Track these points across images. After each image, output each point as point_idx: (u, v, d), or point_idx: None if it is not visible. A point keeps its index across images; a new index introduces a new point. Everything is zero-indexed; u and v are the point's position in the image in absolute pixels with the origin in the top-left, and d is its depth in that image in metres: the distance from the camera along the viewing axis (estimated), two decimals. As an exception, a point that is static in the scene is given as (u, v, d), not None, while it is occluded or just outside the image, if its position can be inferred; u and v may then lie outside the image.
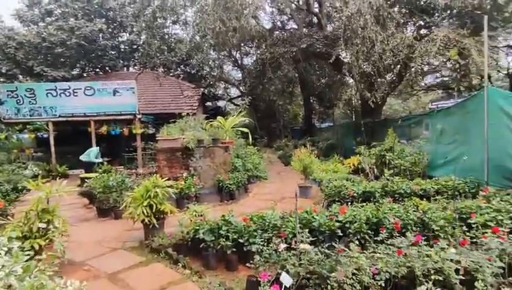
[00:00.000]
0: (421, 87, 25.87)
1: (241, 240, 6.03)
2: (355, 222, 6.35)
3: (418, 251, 4.76)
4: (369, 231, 6.15)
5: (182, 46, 19.43)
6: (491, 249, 4.81)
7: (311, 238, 5.17)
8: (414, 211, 6.72)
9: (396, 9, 15.36)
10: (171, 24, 23.43)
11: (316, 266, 4.61)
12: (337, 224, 6.19)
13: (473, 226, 5.98)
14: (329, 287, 4.29)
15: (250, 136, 15.29)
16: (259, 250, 5.30)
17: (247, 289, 5.01)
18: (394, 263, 4.62)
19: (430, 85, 27.09)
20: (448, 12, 14.88)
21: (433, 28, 14.96)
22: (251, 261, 4.97)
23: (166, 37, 23.76)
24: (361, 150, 14.47)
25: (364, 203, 8.02)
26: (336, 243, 6.11)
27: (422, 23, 16.09)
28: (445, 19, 15.05)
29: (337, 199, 9.57)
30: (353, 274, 4.51)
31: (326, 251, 4.85)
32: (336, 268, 4.49)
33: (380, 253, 4.85)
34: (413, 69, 13.61)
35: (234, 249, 5.97)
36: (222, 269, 6.00)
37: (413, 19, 15.91)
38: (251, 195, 12.29)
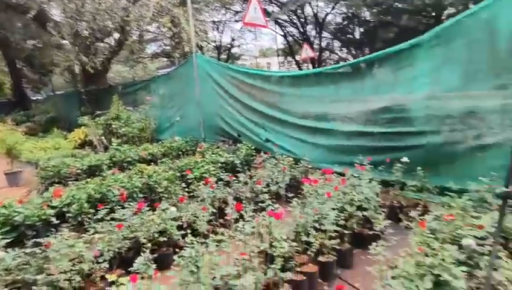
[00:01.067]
0: (146, 55, 26.33)
1: None
2: (74, 203, 5.54)
3: (141, 218, 4.62)
4: (91, 210, 5.52)
5: None
6: (204, 199, 5.32)
7: (10, 239, 3.99)
8: (140, 177, 6.61)
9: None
10: None
11: (17, 273, 3.59)
12: (51, 211, 5.17)
13: (190, 181, 6.53)
14: (38, 292, 3.45)
15: None
16: None
17: None
18: (117, 238, 4.29)
19: (154, 53, 28.08)
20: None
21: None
22: None
23: None
24: (85, 121, 13.14)
25: (90, 179, 7.26)
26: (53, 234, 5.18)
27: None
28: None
29: (57, 181, 8.24)
30: (73, 265, 3.85)
31: (32, 249, 3.88)
32: (46, 267, 3.67)
33: (101, 232, 4.38)
34: (134, 36, 13.34)
35: None
36: None
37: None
38: None
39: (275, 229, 3.84)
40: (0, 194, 8.38)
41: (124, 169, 9.14)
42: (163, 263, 4.52)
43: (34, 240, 4.17)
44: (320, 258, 4.12)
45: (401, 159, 5.56)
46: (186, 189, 6.19)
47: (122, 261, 4.27)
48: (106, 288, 3.83)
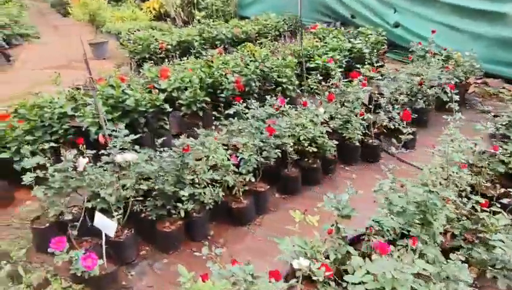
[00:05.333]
0: None
1: (4, 155, 3.45)
2: (186, 88, 4.57)
3: (288, 121, 3.52)
4: (207, 99, 4.54)
5: None
6: (351, 100, 4.00)
7: (126, 130, 3.10)
8: (252, 60, 5.36)
9: None
10: None
11: (152, 181, 2.80)
12: (161, 96, 4.24)
13: (312, 72, 5.17)
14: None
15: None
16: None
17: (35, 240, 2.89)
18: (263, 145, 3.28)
19: None
20: None
21: None
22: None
23: None
24: (161, -11, 11.60)
25: (184, 58, 6.21)
26: (165, 124, 4.36)
27: None
28: None
29: (147, 56, 7.30)
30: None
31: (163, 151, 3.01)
32: (184, 176, 2.82)
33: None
34: None
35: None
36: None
37: None
38: (18, 64, 8.36)
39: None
40: (90, 66, 7.72)
41: (217, 48, 7.92)
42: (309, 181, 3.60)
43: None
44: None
45: None
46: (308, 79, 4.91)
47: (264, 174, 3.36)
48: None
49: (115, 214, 2.67)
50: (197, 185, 2.80)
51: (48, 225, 2.82)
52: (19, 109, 3.84)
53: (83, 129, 3.81)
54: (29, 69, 8.02)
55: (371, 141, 4.01)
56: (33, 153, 3.59)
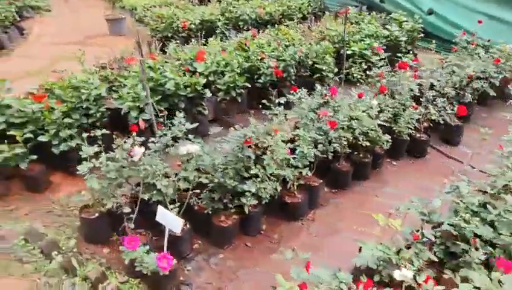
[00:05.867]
0: None
1: (43, 138, 3.28)
2: (223, 73, 4.37)
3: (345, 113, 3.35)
4: (247, 84, 4.36)
5: None
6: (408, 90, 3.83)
7: (182, 117, 2.93)
8: (287, 45, 5.14)
9: None
10: None
11: (219, 177, 2.64)
12: (202, 80, 4.04)
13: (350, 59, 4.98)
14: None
15: None
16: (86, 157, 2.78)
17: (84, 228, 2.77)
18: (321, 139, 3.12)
19: None
20: None
21: None
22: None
23: None
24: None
25: (209, 39, 5.97)
26: (203, 109, 4.19)
27: None
28: None
29: (169, 35, 7.03)
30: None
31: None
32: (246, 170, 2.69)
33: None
34: None
35: (35, 156, 3.26)
36: (20, 189, 3.36)
37: None
38: (32, 38, 8.05)
39: None
40: (107, 43, 7.45)
41: (241, 30, 7.65)
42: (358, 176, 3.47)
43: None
44: None
45: None
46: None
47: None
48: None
49: (171, 207, 2.54)
50: (255, 179, 2.66)
51: (97, 215, 2.69)
52: (54, 89, 3.65)
53: (122, 113, 3.65)
54: (44, 43, 7.72)
55: (418, 135, 3.87)
56: (71, 137, 3.46)
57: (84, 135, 2.61)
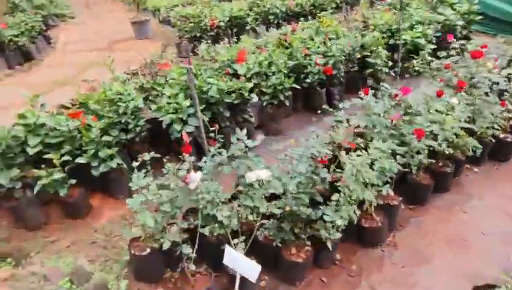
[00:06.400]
0: None
1: (81, 160, 2.96)
2: (266, 74, 3.94)
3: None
4: (295, 86, 3.92)
5: None
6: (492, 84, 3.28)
7: (244, 134, 2.49)
8: (332, 38, 4.65)
9: None
10: None
11: (291, 204, 2.22)
12: (249, 84, 3.62)
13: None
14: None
15: None
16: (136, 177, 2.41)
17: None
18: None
19: None
20: None
21: None
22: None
23: None
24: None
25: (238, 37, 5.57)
26: (249, 116, 3.79)
27: None
28: None
29: (198, 35, 6.66)
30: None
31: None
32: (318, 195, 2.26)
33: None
34: None
35: (74, 181, 2.94)
36: (60, 217, 3.07)
37: None
38: (59, 47, 7.88)
39: None
40: (134, 47, 7.17)
41: (271, 24, 7.19)
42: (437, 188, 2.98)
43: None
44: None
45: None
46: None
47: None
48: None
49: (235, 241, 2.15)
50: (335, 204, 2.23)
51: (149, 250, 2.34)
52: (89, 104, 3.33)
53: (164, 126, 3.29)
54: (72, 51, 7.53)
55: (503, 135, 3.32)
56: (111, 157, 3.13)
57: (135, 163, 2.21)
